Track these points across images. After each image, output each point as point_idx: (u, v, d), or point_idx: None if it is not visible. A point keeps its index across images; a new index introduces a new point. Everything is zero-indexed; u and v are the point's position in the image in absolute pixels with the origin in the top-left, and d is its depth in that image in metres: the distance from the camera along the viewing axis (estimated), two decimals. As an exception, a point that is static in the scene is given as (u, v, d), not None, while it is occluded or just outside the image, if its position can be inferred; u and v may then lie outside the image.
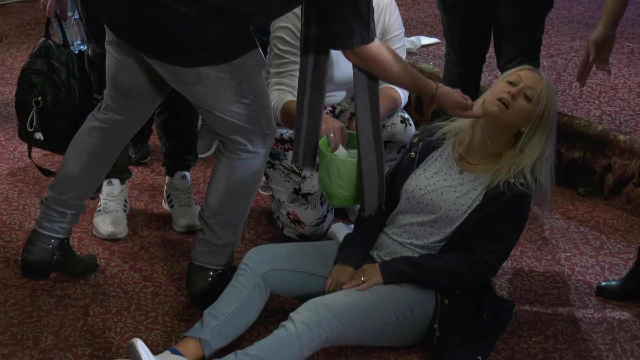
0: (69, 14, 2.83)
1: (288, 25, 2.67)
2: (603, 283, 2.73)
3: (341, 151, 2.45)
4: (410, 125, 2.86)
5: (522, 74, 2.31)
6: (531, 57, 3.03)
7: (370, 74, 2.26)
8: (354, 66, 2.27)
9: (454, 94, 2.33)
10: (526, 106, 2.27)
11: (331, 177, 2.39)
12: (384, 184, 2.37)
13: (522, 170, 2.26)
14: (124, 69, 2.36)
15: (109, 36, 2.34)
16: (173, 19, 2.08)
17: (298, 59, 2.65)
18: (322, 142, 2.42)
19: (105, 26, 2.32)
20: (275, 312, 2.47)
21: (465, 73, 3.16)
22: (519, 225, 2.33)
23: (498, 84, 2.34)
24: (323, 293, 2.31)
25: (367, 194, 2.36)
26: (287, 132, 2.81)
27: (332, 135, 2.44)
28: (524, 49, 2.98)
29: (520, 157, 2.28)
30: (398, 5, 2.95)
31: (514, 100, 2.27)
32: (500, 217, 2.27)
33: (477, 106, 2.34)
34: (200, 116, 3.19)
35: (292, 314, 2.16)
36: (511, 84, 2.30)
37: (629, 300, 2.65)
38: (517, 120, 2.28)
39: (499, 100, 2.27)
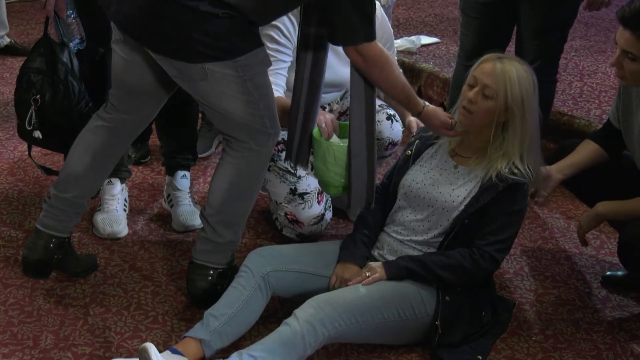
0: (68, 12, 2.82)
1: (277, 24, 2.68)
2: (608, 273, 2.76)
3: (335, 139, 2.47)
4: (397, 121, 2.89)
5: (478, 72, 2.31)
6: (550, 64, 3.04)
7: (367, 78, 2.27)
8: (353, 69, 2.28)
9: (440, 114, 2.38)
10: (488, 105, 2.28)
11: (328, 165, 2.41)
12: (373, 186, 2.39)
13: (512, 160, 2.28)
14: (130, 68, 2.36)
15: (115, 35, 2.34)
16: (180, 13, 2.09)
17: (286, 58, 2.68)
18: (315, 133, 2.44)
19: (111, 23, 2.32)
20: (275, 311, 2.47)
21: None
22: (517, 215, 2.34)
23: (463, 88, 2.36)
24: (327, 291, 2.32)
25: (354, 193, 2.38)
26: (280, 134, 2.81)
27: (323, 125, 2.46)
28: (541, 55, 2.98)
29: (505, 147, 2.30)
30: (398, 4, 2.95)
31: (474, 104, 2.29)
32: (497, 209, 2.28)
33: (455, 114, 2.38)
34: (200, 115, 3.19)
35: (297, 311, 2.16)
36: (470, 86, 2.32)
37: (634, 290, 2.68)
38: (485, 119, 2.30)
39: (463, 107, 2.32)
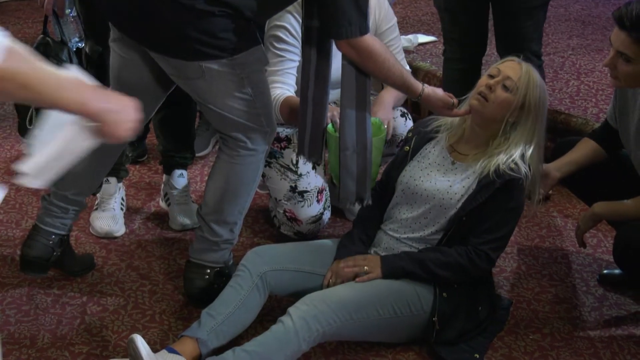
0: (67, 11, 2.82)
1: (284, 24, 2.68)
2: (605, 271, 2.76)
3: None
4: (410, 119, 2.94)
5: (502, 66, 2.34)
6: (534, 53, 3.04)
7: (363, 70, 2.27)
8: (345, 62, 2.28)
9: (440, 95, 2.38)
10: (505, 97, 2.29)
11: None
12: (365, 182, 2.38)
13: (512, 157, 2.28)
14: (128, 66, 2.36)
15: (113, 33, 2.34)
16: (177, 12, 2.09)
17: (295, 57, 2.68)
18: (329, 129, 2.45)
19: (109, 23, 2.32)
20: (272, 310, 2.47)
21: (467, 68, 3.16)
22: (513, 213, 2.34)
23: (481, 78, 2.37)
24: (322, 289, 2.32)
25: (342, 187, 2.39)
26: (283, 131, 2.82)
27: (338, 120, 2.46)
28: (524, 40, 2.99)
29: (507, 145, 2.30)
30: (395, 3, 2.95)
31: (493, 92, 2.30)
32: (494, 206, 2.28)
33: (467, 102, 2.37)
34: (197, 114, 3.19)
35: (290, 309, 2.16)
36: (491, 76, 2.33)
37: (631, 288, 2.67)
38: (498, 111, 2.30)
39: (479, 94, 2.31)
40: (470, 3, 3.07)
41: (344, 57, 2.28)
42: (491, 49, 3.26)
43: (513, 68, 2.31)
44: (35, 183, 1.51)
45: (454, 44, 3.21)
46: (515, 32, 3.02)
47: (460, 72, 3.15)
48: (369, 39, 2.22)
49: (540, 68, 3.04)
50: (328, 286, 2.33)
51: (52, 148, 1.50)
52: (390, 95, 2.83)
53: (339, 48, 2.24)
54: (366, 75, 2.31)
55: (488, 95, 2.30)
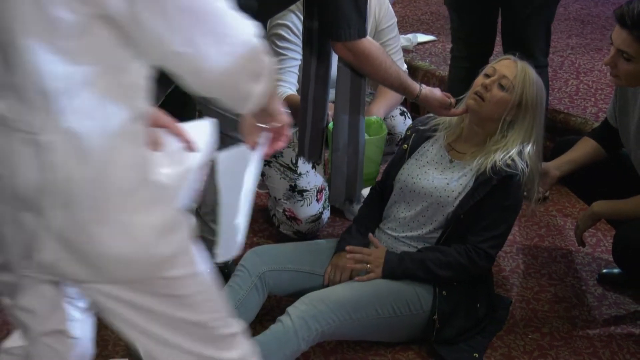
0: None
1: (286, 23, 2.68)
2: (604, 270, 2.76)
3: None
4: (409, 118, 2.95)
5: (498, 65, 2.34)
6: (541, 52, 3.03)
7: (360, 72, 2.27)
8: (340, 62, 2.28)
9: (438, 95, 2.38)
10: (502, 96, 2.29)
11: None
12: (355, 183, 2.40)
13: (509, 154, 2.28)
14: None
15: None
16: None
17: (296, 56, 2.68)
18: (330, 127, 2.45)
19: None
20: (271, 310, 2.47)
21: (473, 67, 3.15)
22: (511, 210, 2.34)
23: (477, 77, 2.37)
24: (323, 286, 2.32)
25: (333, 186, 2.42)
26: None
27: None
28: (531, 40, 2.98)
29: (504, 143, 2.31)
30: (394, 2, 2.95)
31: (489, 91, 2.30)
32: (491, 203, 2.28)
33: (464, 101, 2.38)
34: (197, 114, 3.19)
35: (289, 309, 2.16)
36: (487, 76, 2.33)
37: (630, 288, 2.68)
38: (495, 110, 2.30)
39: (475, 93, 2.32)
40: (477, 3, 3.06)
41: (340, 59, 2.28)
42: (497, 47, 3.25)
43: (509, 67, 2.31)
44: (233, 253, 1.69)
45: (460, 43, 3.21)
46: (522, 30, 3.01)
47: (467, 70, 3.14)
48: (365, 42, 2.22)
49: (544, 68, 3.04)
50: (329, 280, 2.34)
51: (234, 214, 1.67)
52: (380, 107, 2.83)
53: (335, 51, 2.24)
54: (361, 77, 2.31)
55: (484, 94, 2.30)
